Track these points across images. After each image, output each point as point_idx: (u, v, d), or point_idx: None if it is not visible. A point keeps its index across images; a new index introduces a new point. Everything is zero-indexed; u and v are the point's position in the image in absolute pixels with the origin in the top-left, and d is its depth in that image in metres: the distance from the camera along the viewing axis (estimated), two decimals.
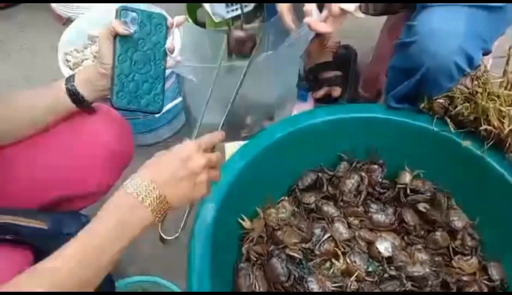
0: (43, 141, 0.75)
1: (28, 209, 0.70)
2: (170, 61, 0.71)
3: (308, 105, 1.26)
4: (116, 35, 0.67)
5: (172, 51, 0.71)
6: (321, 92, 1.26)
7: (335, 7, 0.75)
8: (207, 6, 1.22)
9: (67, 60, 1.14)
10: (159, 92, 0.71)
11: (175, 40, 0.71)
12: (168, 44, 0.70)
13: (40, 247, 0.62)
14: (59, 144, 0.74)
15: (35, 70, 1.56)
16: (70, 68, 1.10)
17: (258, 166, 0.87)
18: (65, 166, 0.74)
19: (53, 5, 1.29)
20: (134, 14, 0.68)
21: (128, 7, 0.68)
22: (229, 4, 1.17)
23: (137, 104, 0.69)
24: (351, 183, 0.91)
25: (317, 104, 1.28)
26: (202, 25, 1.51)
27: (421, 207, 0.90)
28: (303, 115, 0.96)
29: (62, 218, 0.71)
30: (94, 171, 0.75)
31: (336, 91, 1.25)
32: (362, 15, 0.77)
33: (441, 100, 0.85)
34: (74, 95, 0.69)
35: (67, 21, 1.30)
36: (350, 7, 0.75)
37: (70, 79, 0.69)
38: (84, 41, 1.20)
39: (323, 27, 0.78)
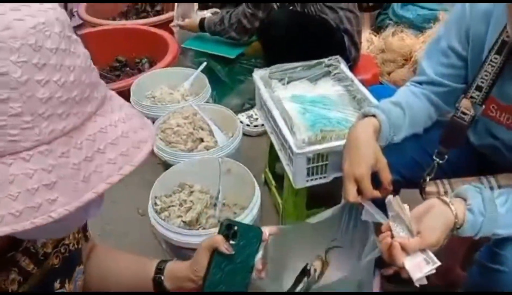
0: None
1: None
2: (253, 275, 0.74)
3: (375, 282, 1.24)
4: (215, 249, 0.71)
5: (260, 271, 0.74)
6: (390, 271, 1.23)
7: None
8: (288, 171, 1.31)
9: (156, 204, 1.25)
10: None
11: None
12: (257, 261, 0.73)
13: None
14: None
15: (124, 197, 1.71)
16: (156, 212, 1.21)
17: None
18: None
19: (155, 148, 1.46)
20: (235, 227, 0.73)
21: (232, 221, 0.75)
22: (310, 174, 1.26)
23: None
24: None
25: (384, 281, 1.25)
26: (279, 177, 1.61)
27: None
28: None
29: None
30: None
31: (406, 273, 1.22)
32: (425, 282, 0.77)
33: None
34: (158, 286, 0.75)
35: (163, 163, 1.45)
36: (416, 274, 0.76)
37: (160, 269, 0.76)
38: (174, 187, 1.33)
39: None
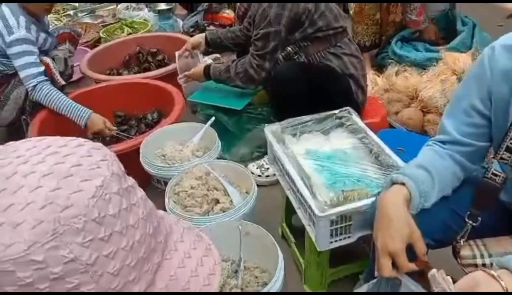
0: None
1: None
2: None
3: None
4: None
5: None
6: None
7: None
8: (311, 232, 1.27)
9: None
10: None
11: None
12: None
13: None
14: None
15: None
16: None
17: None
18: None
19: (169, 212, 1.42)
20: None
21: None
22: (334, 235, 1.22)
23: None
24: None
25: None
26: (297, 230, 1.57)
27: None
28: None
29: None
30: None
31: None
32: None
33: None
34: None
35: None
36: None
37: None
38: None
39: None
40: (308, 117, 1.52)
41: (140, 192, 0.47)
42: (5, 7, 2.04)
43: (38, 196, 0.38)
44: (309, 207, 1.21)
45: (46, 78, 2.05)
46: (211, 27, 3.29)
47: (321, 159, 1.38)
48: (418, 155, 1.05)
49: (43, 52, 2.24)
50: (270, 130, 1.51)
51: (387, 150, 1.36)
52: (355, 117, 1.52)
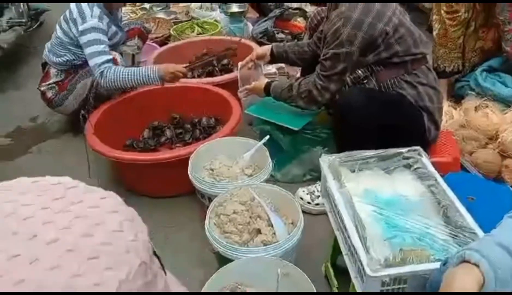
0: None
1: None
2: None
3: None
4: None
5: None
6: None
7: None
8: (358, 287, 1.13)
9: None
10: None
11: None
12: None
13: None
14: None
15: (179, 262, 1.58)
16: None
17: None
18: None
19: (208, 233, 1.35)
20: None
21: None
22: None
23: None
24: None
25: None
26: (342, 271, 1.43)
27: None
28: None
29: None
30: None
31: None
32: None
33: None
34: None
35: (216, 253, 1.33)
36: None
37: None
38: (225, 289, 1.20)
39: None
40: (371, 153, 1.37)
41: (161, 283, 0.38)
42: None
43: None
44: (360, 261, 1.07)
45: (111, 64, 2.05)
46: (280, 35, 3.19)
47: (380, 204, 1.22)
48: (500, 227, 0.88)
49: (111, 46, 2.27)
50: (327, 162, 1.38)
51: (458, 205, 1.19)
52: (425, 159, 1.35)
